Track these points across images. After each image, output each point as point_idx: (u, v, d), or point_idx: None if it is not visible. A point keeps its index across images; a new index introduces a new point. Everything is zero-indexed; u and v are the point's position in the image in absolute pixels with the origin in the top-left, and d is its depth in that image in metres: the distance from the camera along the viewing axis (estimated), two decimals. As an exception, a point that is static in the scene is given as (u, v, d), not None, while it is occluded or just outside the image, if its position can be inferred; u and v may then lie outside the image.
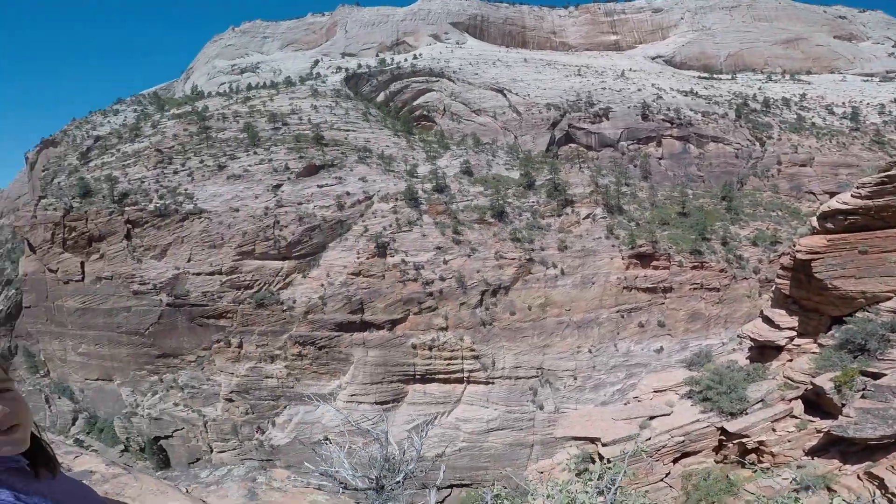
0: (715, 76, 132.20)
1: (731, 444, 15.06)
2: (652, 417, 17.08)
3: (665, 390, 19.59)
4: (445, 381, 50.18)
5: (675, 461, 15.60)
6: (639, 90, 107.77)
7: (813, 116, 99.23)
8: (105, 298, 53.51)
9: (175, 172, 60.17)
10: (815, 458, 12.51)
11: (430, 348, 49.40)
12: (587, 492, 5.78)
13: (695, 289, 53.59)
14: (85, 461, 8.07)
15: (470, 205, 57.91)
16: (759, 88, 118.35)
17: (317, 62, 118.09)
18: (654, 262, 54.15)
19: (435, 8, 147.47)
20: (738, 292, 54.48)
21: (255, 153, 62.94)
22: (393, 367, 49.58)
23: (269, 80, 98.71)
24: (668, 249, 55.20)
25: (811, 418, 14.01)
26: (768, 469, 12.72)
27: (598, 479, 6.18)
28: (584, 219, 56.40)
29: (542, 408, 49.52)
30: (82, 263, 54.43)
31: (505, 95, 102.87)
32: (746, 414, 15.37)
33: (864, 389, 12.68)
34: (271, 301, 50.82)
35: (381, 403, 48.02)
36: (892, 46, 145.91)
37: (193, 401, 51.09)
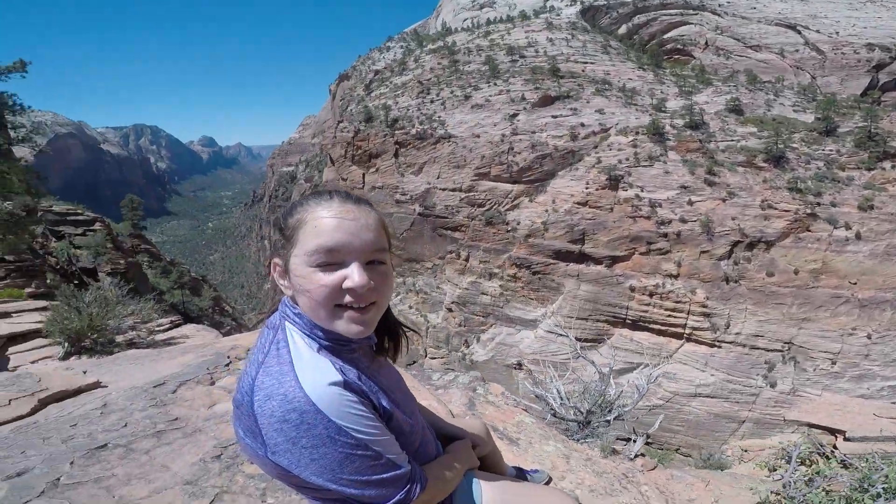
0: None
1: None
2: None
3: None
4: (659, 333, 38.60)
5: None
6: None
7: None
8: (376, 204, 55.83)
9: (432, 101, 58.19)
10: None
11: (651, 294, 38.38)
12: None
13: None
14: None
15: (734, 146, 42.28)
16: None
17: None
18: None
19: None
20: None
21: (495, 84, 56.77)
22: (603, 306, 39.94)
23: (505, 14, 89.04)
24: None
25: None
26: None
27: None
28: (906, 177, 36.66)
29: (773, 385, 35.53)
30: (363, 175, 57.43)
31: (799, 32, 74.18)
32: None
33: None
34: (498, 220, 45.50)
35: (581, 340, 39.72)
36: None
37: (423, 306, 49.71)
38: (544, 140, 47.19)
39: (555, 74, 57.28)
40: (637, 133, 44.99)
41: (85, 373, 4.01)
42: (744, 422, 36.52)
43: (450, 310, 47.02)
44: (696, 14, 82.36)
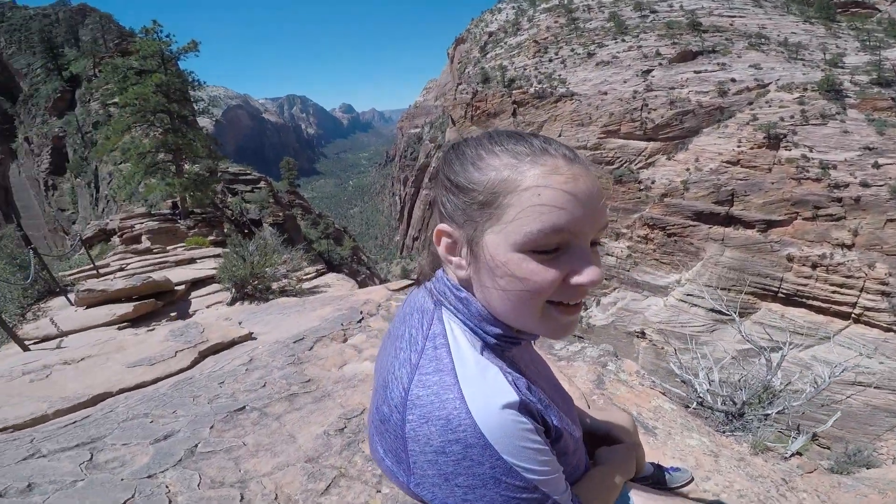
0: None
1: None
2: None
3: None
4: (819, 311, 31.76)
5: None
6: None
7: None
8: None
9: (550, 60, 55.25)
10: None
11: (815, 266, 31.85)
12: None
13: None
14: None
15: (933, 107, 33.00)
16: None
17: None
18: None
19: None
20: None
21: (623, 41, 51.93)
22: (751, 276, 33.93)
23: (629, -30, 79.45)
24: None
25: None
26: None
27: None
28: None
29: (956, 383, 27.87)
30: (482, 134, 58.02)
31: None
32: None
33: None
34: (629, 178, 41.61)
35: (717, 313, 34.76)
36: None
37: None
38: (685, 96, 42.20)
39: (695, 29, 50.90)
40: (805, 89, 37.46)
41: (240, 324, 4.23)
42: (908, 419, 29.38)
43: (573, 271, 45.53)
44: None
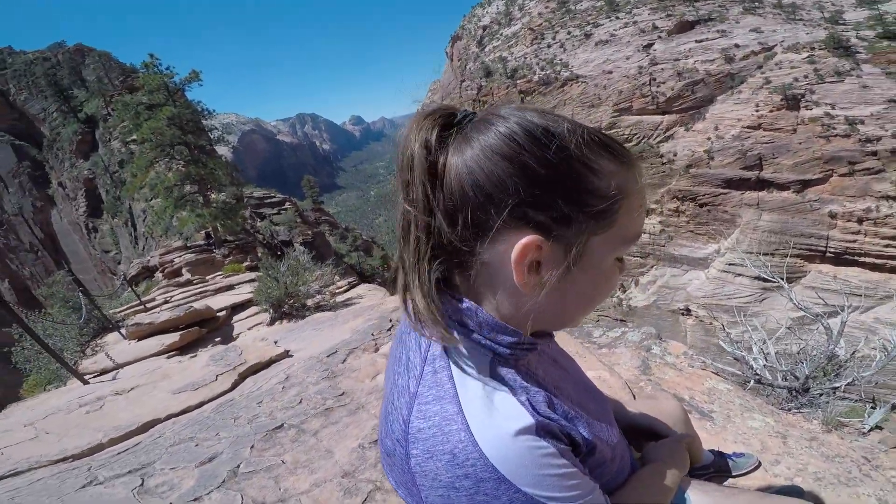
0: None
1: None
2: None
3: None
4: (875, 268, 29.06)
5: None
6: None
7: None
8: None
9: (549, 46, 54.43)
10: None
11: (861, 221, 29.68)
12: None
13: None
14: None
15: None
16: None
17: None
18: None
19: None
20: None
21: (617, 18, 51.10)
22: (794, 238, 31.27)
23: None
24: None
25: None
26: None
27: None
28: None
29: None
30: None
31: None
32: None
33: None
34: (650, 153, 40.37)
35: (764, 280, 32.67)
36: None
37: None
38: (692, 66, 41.29)
39: None
40: (812, 48, 35.92)
41: (276, 343, 4.33)
42: None
43: (604, 252, 44.79)
44: None
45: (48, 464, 2.25)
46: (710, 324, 33.07)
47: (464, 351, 0.56)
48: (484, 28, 75.07)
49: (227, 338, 6.27)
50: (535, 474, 0.52)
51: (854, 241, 30.09)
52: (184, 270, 13.19)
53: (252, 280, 10.40)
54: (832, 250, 30.86)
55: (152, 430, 2.60)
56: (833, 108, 32.06)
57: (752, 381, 4.39)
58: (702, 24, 46.26)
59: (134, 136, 15.66)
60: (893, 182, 28.82)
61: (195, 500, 1.95)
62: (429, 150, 0.51)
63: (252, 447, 2.30)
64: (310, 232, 24.84)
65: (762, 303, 32.17)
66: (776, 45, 39.39)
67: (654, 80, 41.97)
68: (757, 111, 34.98)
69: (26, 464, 2.22)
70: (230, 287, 9.99)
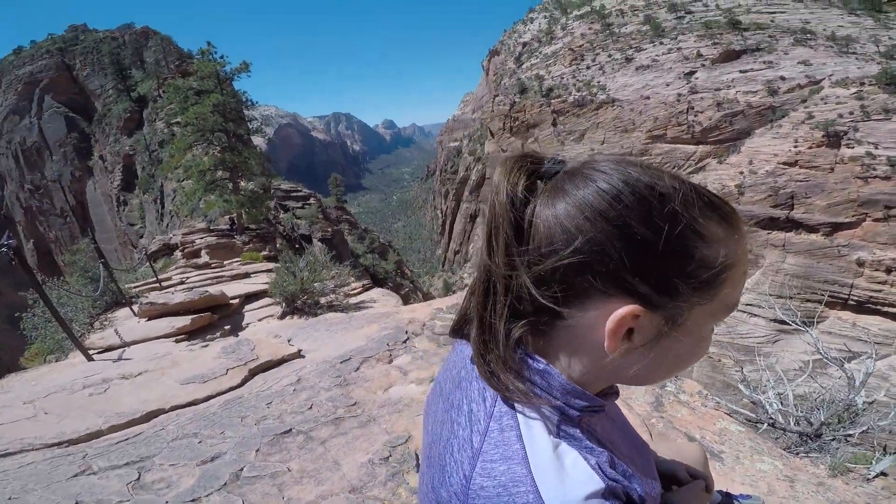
0: None
1: None
2: None
3: None
4: None
5: None
6: None
7: None
8: (538, 173, 55.72)
9: (587, 67, 54.32)
10: None
11: (889, 270, 28.81)
12: None
13: None
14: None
15: None
16: None
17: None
18: None
19: None
20: None
21: (661, 43, 50.58)
22: (817, 283, 31.14)
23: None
24: None
25: None
26: None
27: None
28: None
29: None
30: (522, 145, 56.84)
31: None
32: None
33: None
34: (678, 184, 40.44)
35: (782, 323, 31.69)
36: None
37: None
38: (733, 97, 40.36)
39: (735, 27, 48.47)
40: (862, 84, 34.79)
41: (290, 341, 4.21)
42: None
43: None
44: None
45: (42, 447, 2.15)
46: (719, 360, 32.22)
47: (532, 411, 0.54)
48: (524, 45, 75.22)
49: (237, 326, 6.20)
50: None
51: (879, 291, 29.00)
52: (203, 252, 13.31)
53: (269, 270, 10.40)
54: (855, 298, 29.79)
55: (155, 421, 2.49)
56: (876, 148, 31.00)
57: (765, 424, 4.22)
58: (748, 54, 45.45)
59: (178, 119, 16.06)
60: (932, 233, 27.71)
61: (193, 500, 1.83)
62: (515, 202, 0.47)
63: (258, 450, 2.17)
64: (329, 229, 24.97)
65: (775, 344, 31.22)
66: (824, 78, 38.34)
67: (692, 108, 41.44)
68: (795, 147, 34.09)
69: (19, 444, 2.12)
70: (246, 275, 9.99)
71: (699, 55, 46.39)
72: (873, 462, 4.01)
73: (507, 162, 0.52)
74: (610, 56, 53.29)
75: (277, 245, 16.41)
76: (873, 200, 29.60)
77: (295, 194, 26.80)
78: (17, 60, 56.91)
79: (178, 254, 14.64)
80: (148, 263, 11.11)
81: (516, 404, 0.54)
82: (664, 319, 0.48)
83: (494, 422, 0.54)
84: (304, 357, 3.74)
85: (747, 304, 33.16)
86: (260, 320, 6.48)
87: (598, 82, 50.28)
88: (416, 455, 2.28)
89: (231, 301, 6.91)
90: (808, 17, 50.23)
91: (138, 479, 1.95)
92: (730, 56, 44.91)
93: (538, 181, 0.49)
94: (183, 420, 2.46)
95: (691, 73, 44.93)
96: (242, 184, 15.65)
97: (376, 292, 9.28)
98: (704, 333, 0.52)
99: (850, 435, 4.11)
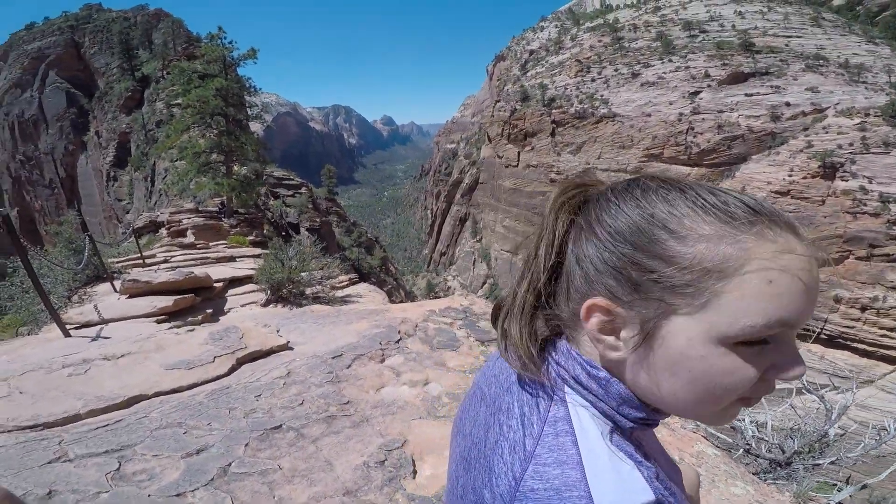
0: None
1: None
2: None
3: None
4: (865, 354, 29.27)
5: None
6: None
7: None
8: (530, 182, 54.45)
9: (592, 80, 54.10)
10: None
11: (864, 308, 29.45)
12: None
13: None
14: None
15: None
16: None
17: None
18: None
19: None
20: None
21: (670, 61, 50.19)
22: None
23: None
24: None
25: None
26: None
27: None
28: None
29: None
30: (518, 153, 56.71)
31: None
32: None
33: None
34: (665, 206, 40.81)
35: None
36: None
37: None
38: (735, 120, 40.55)
39: (748, 49, 48.63)
40: (867, 114, 35.14)
41: (278, 332, 4.11)
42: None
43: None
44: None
45: (15, 429, 2.02)
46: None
47: (588, 417, 0.54)
48: (531, 52, 75.41)
49: (219, 310, 6.06)
50: None
51: (851, 328, 29.73)
52: (189, 233, 13.04)
53: (254, 256, 10.22)
54: (827, 332, 30.51)
55: (137, 407, 2.38)
56: (870, 182, 31.48)
57: (740, 450, 4.30)
58: (756, 78, 45.34)
59: (179, 101, 15.78)
60: (910, 273, 28.47)
61: (178, 495, 1.73)
62: (555, 236, 0.53)
63: (247, 445, 2.09)
64: (318, 220, 24.74)
65: (848, 387, 32.05)
66: (829, 107, 38.41)
67: (693, 129, 41.66)
68: (790, 176, 34.59)
69: None
70: (231, 259, 9.79)
71: (707, 75, 46.11)
72: (833, 492, 4.24)
73: (560, 190, 0.56)
74: (616, 70, 53.17)
75: (265, 231, 16.17)
76: (859, 238, 30.30)
77: (287, 182, 26.51)
78: (27, 36, 58.11)
79: (163, 231, 14.34)
80: (133, 238, 10.84)
81: (571, 410, 0.54)
82: (640, 317, 0.48)
83: (549, 426, 0.54)
84: (292, 349, 3.65)
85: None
86: (243, 306, 6.34)
87: (602, 96, 50.32)
88: (413, 461, 2.23)
89: (215, 284, 6.75)
90: (824, 42, 50.32)
91: (118, 469, 1.85)
92: (737, 78, 44.71)
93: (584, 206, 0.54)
94: (167, 408, 2.36)
95: (696, 92, 44.87)
96: (236, 168, 15.42)
97: (362, 287, 9.16)
98: (703, 351, 0.47)
99: (818, 464, 4.21)
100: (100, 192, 45.67)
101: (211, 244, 11.91)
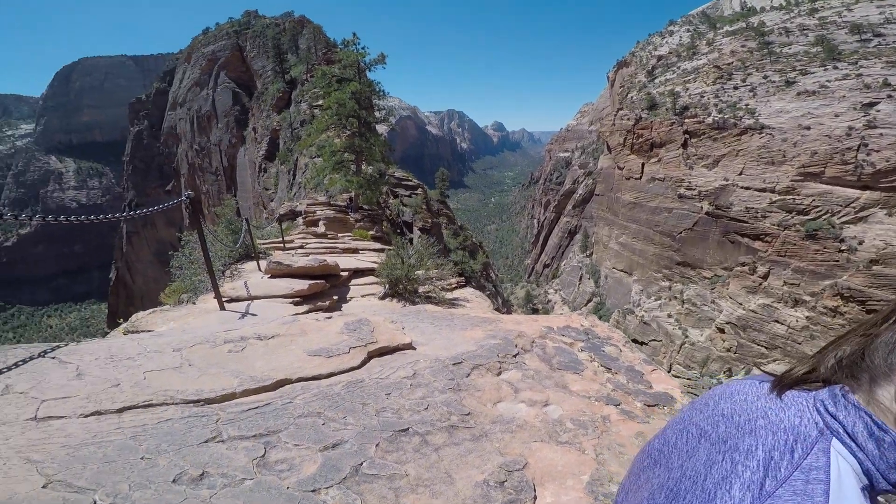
0: None
1: None
2: None
3: None
4: None
5: None
6: None
7: None
8: (653, 197, 50.12)
9: (735, 88, 47.96)
10: None
11: None
12: None
13: None
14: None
15: None
16: None
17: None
18: None
19: None
20: None
21: (836, 68, 42.96)
22: None
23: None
24: None
25: None
26: None
27: None
28: None
29: None
30: (642, 164, 52.72)
31: None
32: None
33: None
34: (828, 234, 34.10)
35: None
36: None
37: (686, 318, 41.52)
38: None
39: None
40: None
41: (403, 329, 4.21)
42: None
43: (721, 330, 38.49)
44: None
45: (182, 402, 2.27)
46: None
47: (849, 472, 0.53)
48: (659, 58, 69.74)
49: (343, 298, 6.47)
50: None
51: None
52: (321, 223, 14.35)
53: (375, 250, 10.84)
54: None
55: (282, 391, 2.55)
56: None
57: None
58: None
59: (320, 102, 17.43)
60: None
61: (314, 491, 1.77)
62: None
63: (377, 445, 2.12)
64: (430, 220, 25.54)
65: None
66: None
67: (866, 145, 34.90)
68: None
69: (162, 397, 2.26)
70: (355, 251, 10.49)
71: (886, 84, 38.83)
72: None
73: None
74: (766, 77, 46.96)
75: (384, 227, 17.14)
76: None
77: (405, 183, 27.87)
78: (204, 39, 68.88)
79: (300, 220, 16.01)
80: (276, 224, 12.28)
81: (833, 462, 0.53)
82: None
83: (801, 472, 0.53)
84: (415, 349, 3.69)
85: None
86: (363, 296, 6.70)
87: (746, 105, 44.78)
88: (534, 486, 2.10)
89: (342, 273, 7.25)
90: None
91: (263, 455, 1.96)
92: (926, 89, 36.90)
93: None
94: (308, 396, 2.49)
95: (871, 104, 37.83)
96: (364, 167, 16.56)
97: (469, 291, 9.16)
98: None
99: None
100: (252, 181, 52.82)
101: (339, 235, 12.96)
